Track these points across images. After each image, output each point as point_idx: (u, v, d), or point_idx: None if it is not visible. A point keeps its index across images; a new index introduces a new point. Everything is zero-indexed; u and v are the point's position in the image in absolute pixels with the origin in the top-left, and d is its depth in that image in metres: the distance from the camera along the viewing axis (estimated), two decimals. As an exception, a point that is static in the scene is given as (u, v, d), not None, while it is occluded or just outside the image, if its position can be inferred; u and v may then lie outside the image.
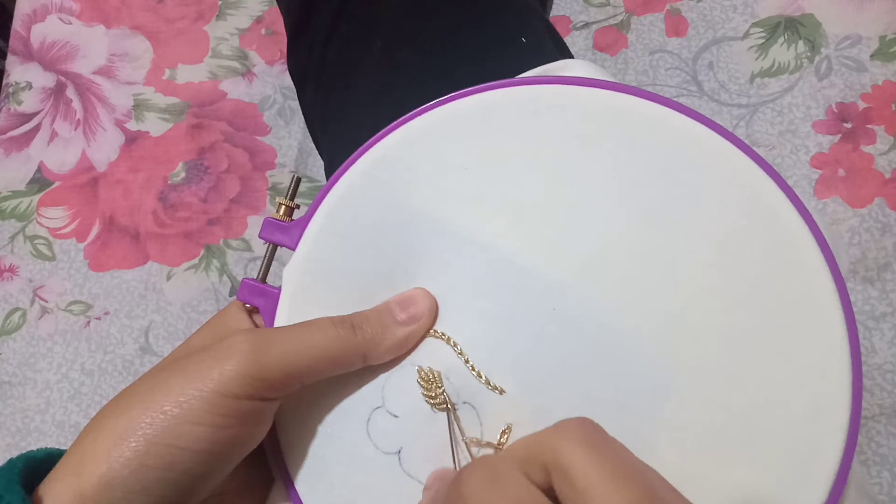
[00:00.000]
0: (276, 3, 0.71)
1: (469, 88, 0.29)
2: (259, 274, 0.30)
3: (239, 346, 0.24)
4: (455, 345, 0.28)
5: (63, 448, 0.25)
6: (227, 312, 0.29)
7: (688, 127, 0.28)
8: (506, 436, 0.27)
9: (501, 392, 0.28)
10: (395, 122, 0.30)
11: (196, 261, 0.77)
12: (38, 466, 0.24)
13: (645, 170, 0.28)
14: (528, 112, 0.29)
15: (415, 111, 0.30)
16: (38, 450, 0.25)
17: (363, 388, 0.28)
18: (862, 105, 0.73)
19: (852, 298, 0.72)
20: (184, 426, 0.23)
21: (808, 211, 0.26)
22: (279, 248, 0.30)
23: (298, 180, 0.31)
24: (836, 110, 0.74)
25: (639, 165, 0.28)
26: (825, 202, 0.71)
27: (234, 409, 0.23)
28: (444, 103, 0.30)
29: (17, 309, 0.77)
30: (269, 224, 0.30)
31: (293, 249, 0.30)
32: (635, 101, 0.28)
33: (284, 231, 0.30)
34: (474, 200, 0.29)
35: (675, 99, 0.85)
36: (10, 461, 0.24)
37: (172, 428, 0.23)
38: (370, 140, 0.30)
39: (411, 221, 0.29)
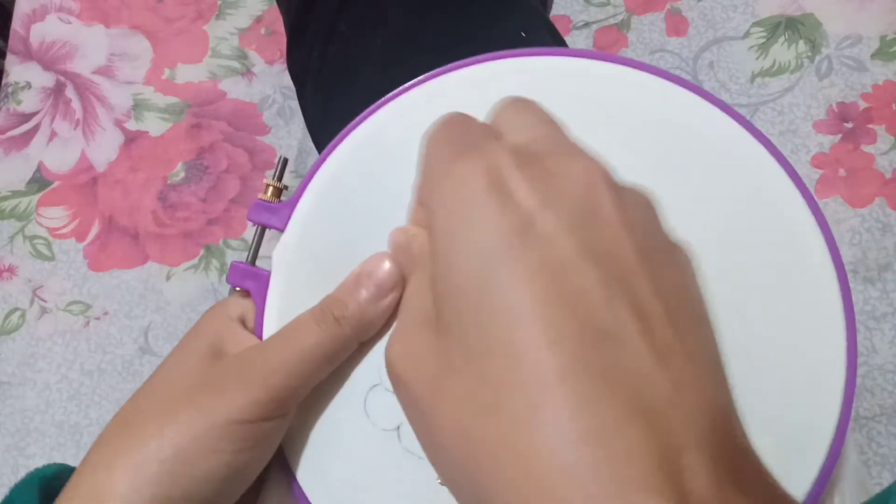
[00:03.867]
0: (275, 2, 0.71)
1: (459, 62, 0.29)
2: (248, 256, 0.30)
3: (234, 372, 0.24)
4: None
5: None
6: (227, 302, 0.29)
7: (700, 106, 0.27)
8: None
9: None
10: (381, 100, 0.29)
11: (195, 261, 0.77)
12: (50, 484, 0.24)
13: (657, 144, 0.27)
14: (528, 82, 0.28)
15: (401, 87, 0.29)
16: (46, 466, 0.25)
17: (359, 366, 0.27)
18: (862, 105, 0.73)
19: (853, 299, 0.72)
20: (202, 458, 0.23)
21: (815, 201, 0.26)
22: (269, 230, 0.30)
23: (286, 161, 0.30)
24: (836, 110, 0.74)
25: (649, 146, 0.27)
26: (826, 202, 0.71)
27: (249, 432, 0.24)
28: (432, 78, 0.29)
29: (16, 309, 0.76)
30: (257, 206, 0.29)
31: (282, 231, 0.29)
32: (645, 76, 0.27)
33: (273, 212, 0.29)
34: None
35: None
36: (27, 479, 0.24)
37: (192, 461, 0.23)
38: (357, 118, 0.29)
39: (400, 199, 0.28)
